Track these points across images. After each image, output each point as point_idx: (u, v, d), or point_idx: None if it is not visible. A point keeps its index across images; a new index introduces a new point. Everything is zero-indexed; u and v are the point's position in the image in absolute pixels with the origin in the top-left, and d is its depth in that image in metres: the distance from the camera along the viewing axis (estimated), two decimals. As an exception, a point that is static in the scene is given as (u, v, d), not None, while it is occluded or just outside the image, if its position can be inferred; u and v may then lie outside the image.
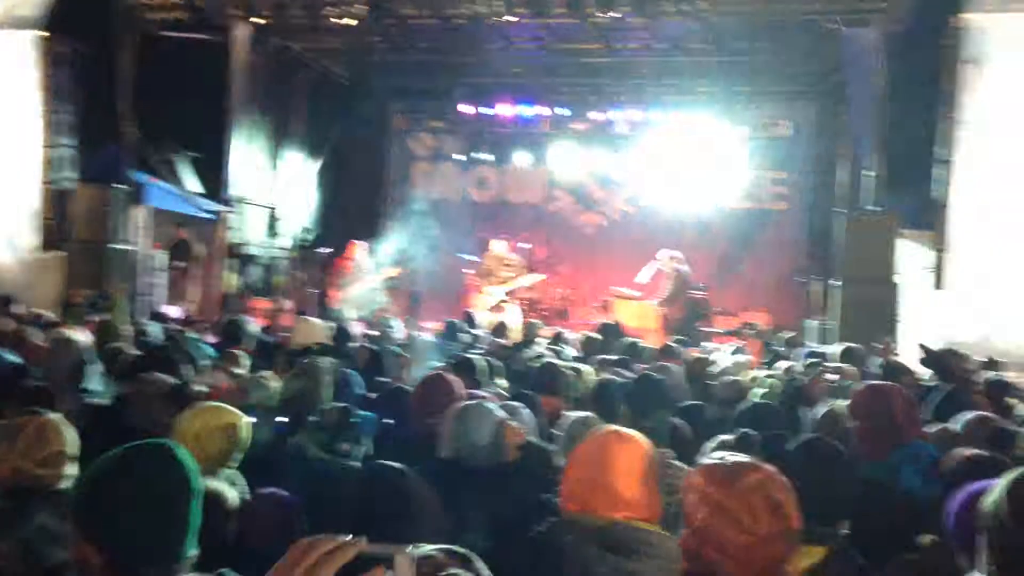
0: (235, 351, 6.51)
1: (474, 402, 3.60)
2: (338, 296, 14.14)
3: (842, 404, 4.68)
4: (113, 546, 1.97)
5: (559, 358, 6.96)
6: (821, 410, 4.61)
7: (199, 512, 2.07)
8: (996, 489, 2.09)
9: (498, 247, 14.92)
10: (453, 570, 2.14)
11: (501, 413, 3.51)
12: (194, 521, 2.05)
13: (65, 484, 2.98)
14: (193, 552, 2.06)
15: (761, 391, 6.02)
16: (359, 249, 14.51)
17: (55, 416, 3.16)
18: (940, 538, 2.62)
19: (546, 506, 2.98)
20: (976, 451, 3.24)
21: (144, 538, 1.98)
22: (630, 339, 8.75)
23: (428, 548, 2.22)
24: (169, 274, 14.14)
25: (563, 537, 2.49)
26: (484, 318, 13.70)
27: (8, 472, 2.95)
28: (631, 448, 2.63)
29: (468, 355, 6.32)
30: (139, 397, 4.24)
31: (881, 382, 4.40)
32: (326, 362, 5.05)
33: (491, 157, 17.18)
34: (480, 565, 2.19)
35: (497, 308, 14.28)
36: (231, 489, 3.19)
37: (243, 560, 2.24)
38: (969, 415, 4.34)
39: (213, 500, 2.93)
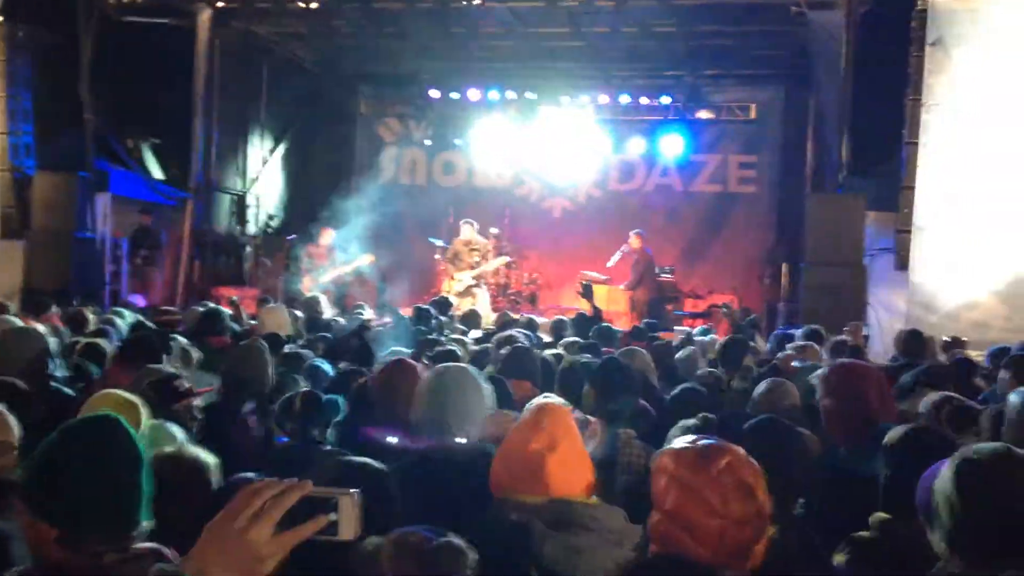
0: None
1: (451, 368, 3.48)
2: (308, 283, 14.01)
3: (784, 382, 4.74)
4: (64, 519, 1.98)
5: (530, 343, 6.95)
6: (762, 387, 4.63)
7: (149, 482, 2.09)
8: (944, 470, 2.12)
9: (466, 232, 14.87)
10: (449, 540, 2.14)
11: (481, 380, 3.41)
12: (144, 491, 2.07)
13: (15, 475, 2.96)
14: (146, 522, 2.07)
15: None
16: (328, 235, 14.39)
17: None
18: (895, 515, 2.63)
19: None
20: (913, 426, 3.23)
21: (94, 509, 2.00)
22: (603, 324, 8.77)
23: (417, 528, 2.21)
24: (132, 262, 13.94)
25: (506, 518, 2.45)
26: (453, 303, 13.67)
27: None
28: (555, 421, 2.59)
29: (448, 345, 6.30)
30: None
31: (856, 361, 4.40)
32: (264, 345, 5.02)
33: (458, 142, 17.10)
34: (471, 553, 2.16)
35: (466, 293, 14.24)
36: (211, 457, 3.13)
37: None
38: (934, 396, 4.36)
39: (193, 465, 2.93)
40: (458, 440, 3.20)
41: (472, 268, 14.53)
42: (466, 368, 3.46)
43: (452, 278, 14.51)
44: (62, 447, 2.06)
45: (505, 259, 14.95)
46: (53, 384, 4.88)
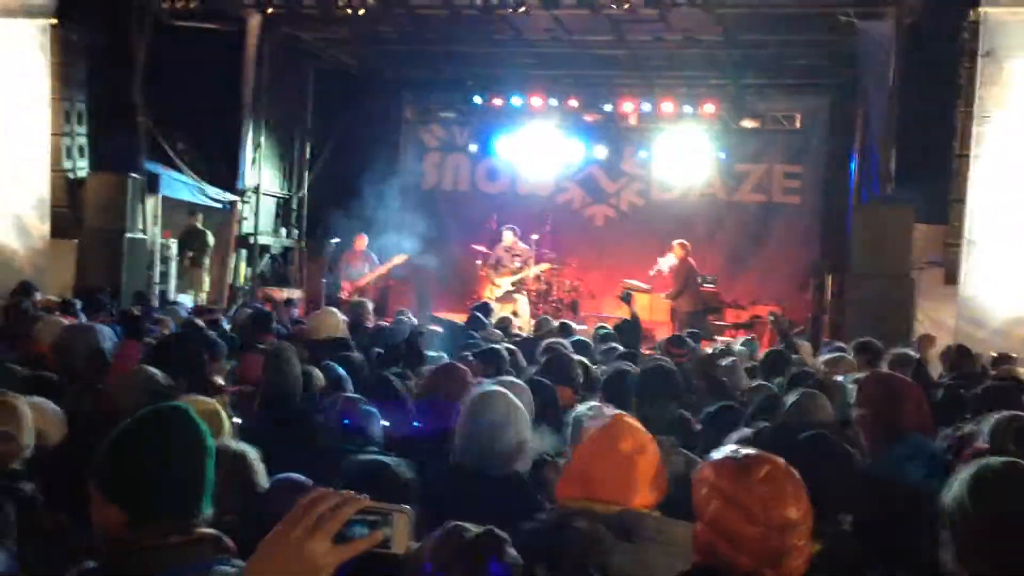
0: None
1: (490, 392, 3.48)
2: (348, 287, 14.16)
3: (817, 394, 4.67)
4: (135, 502, 2.07)
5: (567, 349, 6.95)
6: (791, 398, 4.59)
7: (212, 472, 2.16)
8: (958, 481, 2.10)
9: (508, 238, 14.92)
10: (488, 530, 2.17)
11: (518, 404, 3.42)
12: (209, 479, 2.15)
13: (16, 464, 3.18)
14: (208, 511, 2.14)
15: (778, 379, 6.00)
16: (362, 241, 14.56)
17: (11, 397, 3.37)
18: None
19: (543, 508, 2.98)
20: (982, 446, 3.20)
21: (163, 493, 2.08)
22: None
23: (467, 525, 2.24)
24: (180, 263, 14.19)
25: (573, 524, 2.46)
26: (495, 309, 13.73)
27: None
28: (635, 436, 2.63)
29: (493, 345, 6.32)
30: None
31: (891, 373, 4.34)
32: (292, 349, 5.06)
33: (502, 148, 17.15)
34: (511, 549, 2.20)
35: (506, 299, 14.28)
36: (252, 449, 3.21)
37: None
38: (1001, 414, 4.22)
39: (240, 457, 3.03)
40: (501, 469, 3.21)
41: (513, 274, 14.57)
42: (503, 392, 3.44)
43: (494, 284, 14.56)
44: (135, 433, 2.15)
45: (546, 265, 14.97)
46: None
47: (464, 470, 3.19)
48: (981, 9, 10.35)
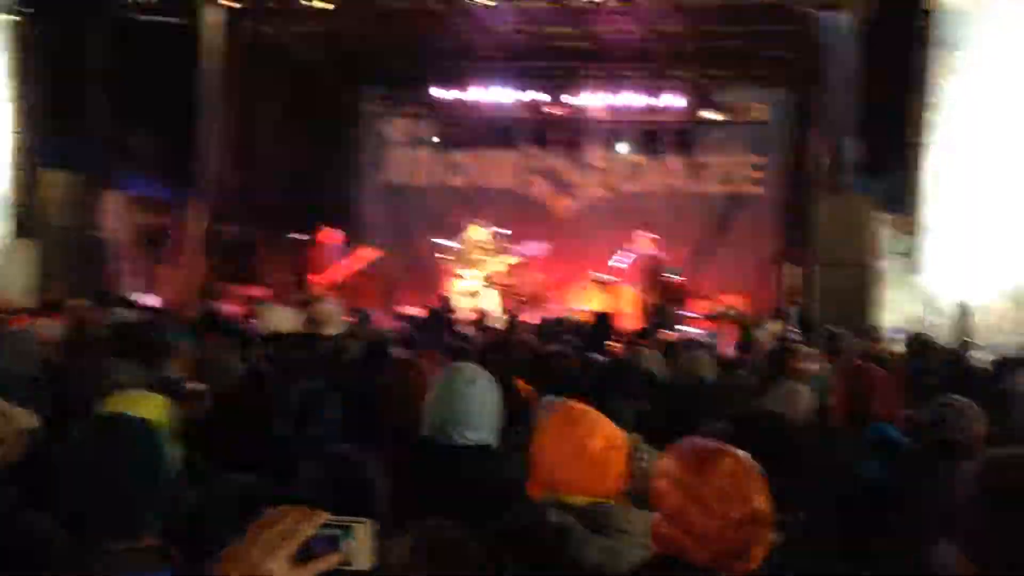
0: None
1: (465, 367, 3.41)
2: (317, 283, 14.07)
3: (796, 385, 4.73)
4: (69, 514, 2.09)
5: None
6: (779, 390, 4.63)
7: (165, 479, 2.16)
8: (970, 474, 2.09)
9: (475, 232, 14.89)
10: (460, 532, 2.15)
11: (492, 382, 3.38)
12: (159, 488, 2.14)
13: None
14: (157, 520, 2.13)
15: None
16: (329, 235, 14.46)
17: None
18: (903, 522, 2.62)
19: (514, 485, 2.96)
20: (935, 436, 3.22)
21: (106, 503, 2.07)
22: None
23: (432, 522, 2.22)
24: (142, 261, 14.00)
25: (547, 519, 2.46)
26: (461, 303, 13.70)
27: None
28: (604, 425, 2.63)
29: (461, 343, 6.31)
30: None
31: (865, 363, 4.40)
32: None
33: (465, 141, 17.11)
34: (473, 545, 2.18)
35: (474, 293, 14.26)
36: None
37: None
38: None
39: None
40: (466, 439, 3.18)
41: (479, 268, 14.54)
42: (479, 368, 3.43)
43: (458, 276, 14.53)
44: (79, 443, 2.17)
45: (513, 259, 14.95)
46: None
47: (432, 442, 3.16)
48: (937, -1, 10.47)
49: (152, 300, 12.06)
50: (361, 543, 1.39)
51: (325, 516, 1.38)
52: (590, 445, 2.56)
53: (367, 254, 14.43)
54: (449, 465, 3.05)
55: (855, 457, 3.28)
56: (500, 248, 14.93)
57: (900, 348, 7.78)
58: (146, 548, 2.07)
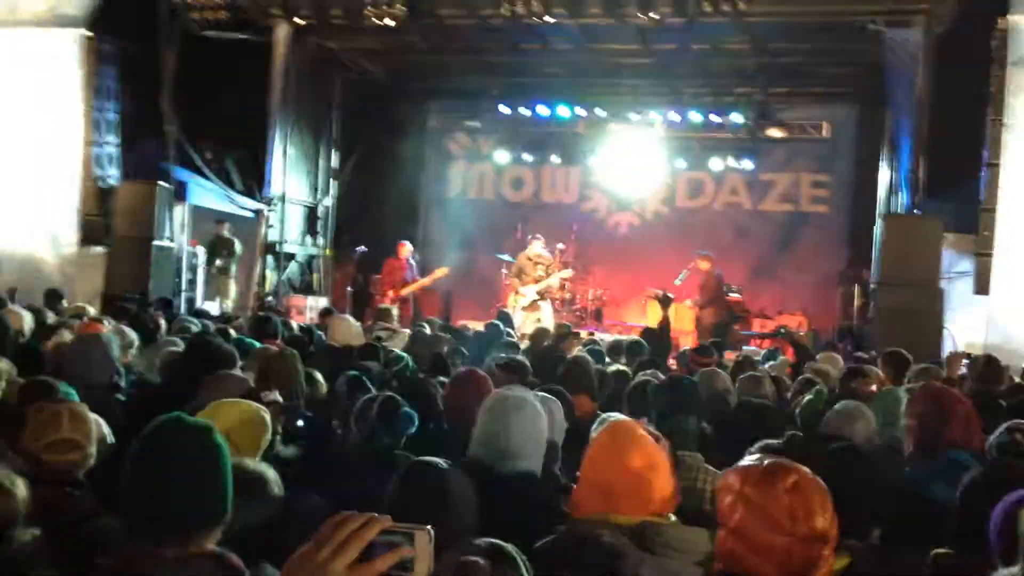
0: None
1: (513, 393, 3.45)
2: (389, 296, 14.17)
3: (859, 405, 4.67)
4: (133, 515, 2.11)
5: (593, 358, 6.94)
6: (835, 409, 4.59)
7: (226, 487, 2.17)
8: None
9: (534, 246, 14.91)
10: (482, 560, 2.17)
11: (540, 408, 3.41)
12: (219, 495, 2.16)
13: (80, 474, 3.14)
14: (218, 527, 2.15)
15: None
16: (406, 249, 14.60)
17: (70, 404, 3.33)
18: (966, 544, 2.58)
19: (554, 512, 2.97)
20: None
21: (163, 507, 2.09)
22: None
23: (477, 540, 2.24)
24: (208, 271, 14.32)
25: (598, 538, 2.45)
26: (518, 318, 13.72)
27: (22, 457, 3.09)
28: (644, 444, 2.62)
29: (516, 356, 6.33)
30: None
31: (944, 387, 4.32)
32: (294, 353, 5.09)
33: (527, 157, 17.17)
34: (522, 567, 2.20)
35: (531, 307, 14.26)
36: (271, 471, 3.18)
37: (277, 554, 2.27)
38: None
39: (258, 480, 2.93)
40: (512, 468, 3.18)
41: (536, 282, 14.55)
42: (526, 394, 3.44)
43: (517, 292, 14.56)
44: (140, 447, 2.18)
45: (568, 272, 14.94)
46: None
47: (478, 465, 3.19)
48: (1010, 17, 10.24)
49: (214, 309, 12.31)
50: (421, 550, 1.40)
51: (388, 522, 1.41)
52: (629, 464, 2.56)
53: (439, 272, 14.53)
54: (494, 493, 3.06)
55: (928, 480, 3.22)
56: (558, 263, 14.92)
57: (962, 371, 7.60)
58: (203, 554, 2.08)
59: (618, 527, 2.48)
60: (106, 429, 3.87)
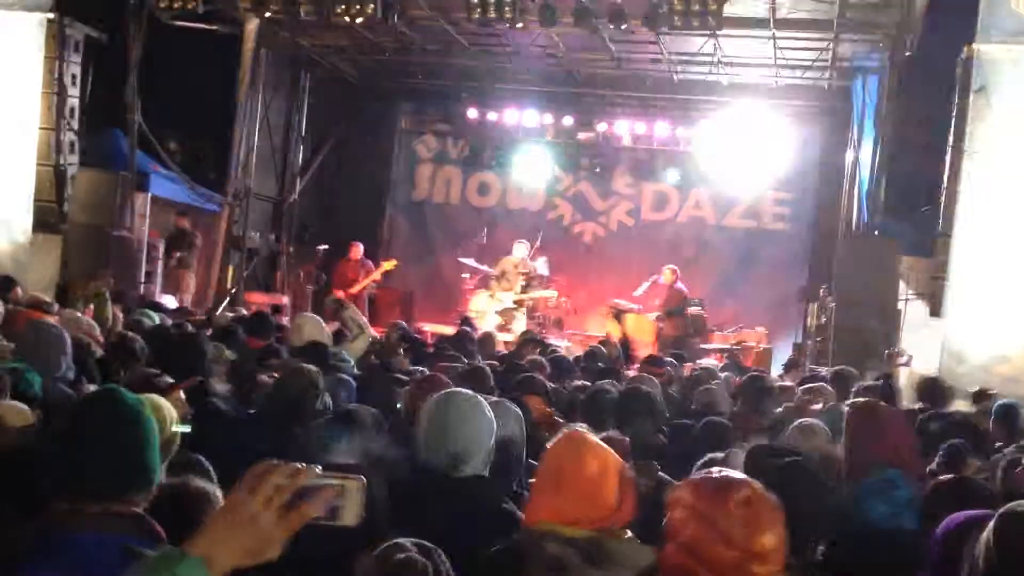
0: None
1: (458, 393, 3.38)
2: (346, 295, 14.06)
3: (814, 423, 4.70)
4: (59, 476, 2.18)
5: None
6: (792, 427, 4.60)
7: (152, 458, 2.26)
8: (990, 523, 2.08)
9: (518, 252, 14.83)
10: (410, 554, 2.18)
11: (481, 404, 3.30)
12: (145, 464, 2.23)
13: None
14: (144, 493, 2.22)
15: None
16: (357, 250, 14.51)
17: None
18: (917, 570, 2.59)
19: (508, 517, 2.95)
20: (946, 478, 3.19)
21: (87, 469, 2.16)
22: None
23: (405, 540, 2.25)
24: (166, 263, 14.10)
25: (543, 549, 2.43)
26: (491, 320, 13.74)
27: None
28: (599, 455, 2.58)
29: (479, 363, 6.30)
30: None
31: (877, 403, 4.34)
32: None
33: (494, 162, 17.16)
34: (442, 558, 2.22)
35: (506, 314, 14.23)
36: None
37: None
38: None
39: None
40: (460, 472, 3.15)
41: (514, 291, 14.46)
42: (472, 396, 3.38)
43: (494, 296, 14.50)
44: (68, 411, 2.40)
45: (553, 293, 14.92)
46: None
47: (426, 469, 3.16)
48: (975, 45, 10.42)
49: (171, 302, 12.12)
50: (351, 500, 1.41)
51: (317, 471, 1.41)
52: (584, 469, 2.52)
53: (387, 264, 14.46)
54: (443, 495, 3.03)
55: (862, 499, 3.21)
56: (539, 277, 14.86)
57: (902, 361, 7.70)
58: (124, 514, 2.14)
59: (565, 538, 2.45)
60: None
